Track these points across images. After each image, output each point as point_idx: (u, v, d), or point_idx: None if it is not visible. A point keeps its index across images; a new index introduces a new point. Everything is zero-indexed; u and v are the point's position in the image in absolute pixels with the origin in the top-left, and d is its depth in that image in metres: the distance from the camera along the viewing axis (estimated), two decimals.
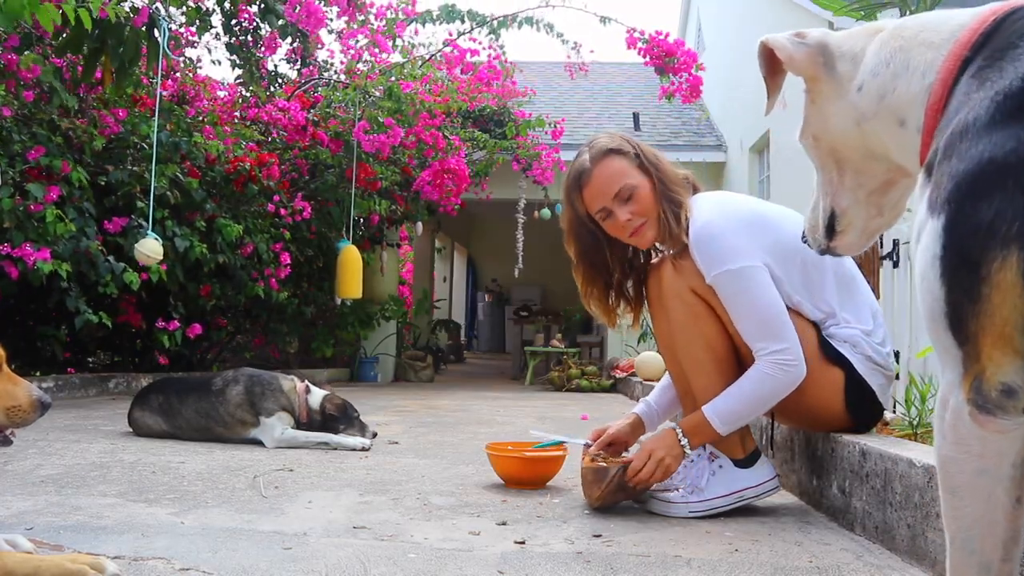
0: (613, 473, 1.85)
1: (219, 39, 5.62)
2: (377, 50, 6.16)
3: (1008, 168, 0.73)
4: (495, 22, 6.63)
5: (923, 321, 0.83)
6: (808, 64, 1.09)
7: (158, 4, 4.62)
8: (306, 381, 3.06)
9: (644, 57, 6.31)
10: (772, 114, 1.25)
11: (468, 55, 7.09)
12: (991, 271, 0.73)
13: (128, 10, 3.91)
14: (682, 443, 1.84)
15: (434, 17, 6.58)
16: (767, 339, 1.79)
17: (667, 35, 6.31)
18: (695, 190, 2.01)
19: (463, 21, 6.60)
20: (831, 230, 1.15)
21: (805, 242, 1.23)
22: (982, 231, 0.73)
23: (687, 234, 1.89)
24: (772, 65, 1.14)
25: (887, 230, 1.16)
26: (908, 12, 2.90)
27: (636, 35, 6.27)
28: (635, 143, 1.99)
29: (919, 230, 0.83)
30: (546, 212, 8.18)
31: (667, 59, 6.23)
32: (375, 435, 3.02)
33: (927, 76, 0.93)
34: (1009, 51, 0.81)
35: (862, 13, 3.09)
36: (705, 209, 1.90)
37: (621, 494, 1.88)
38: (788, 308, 1.87)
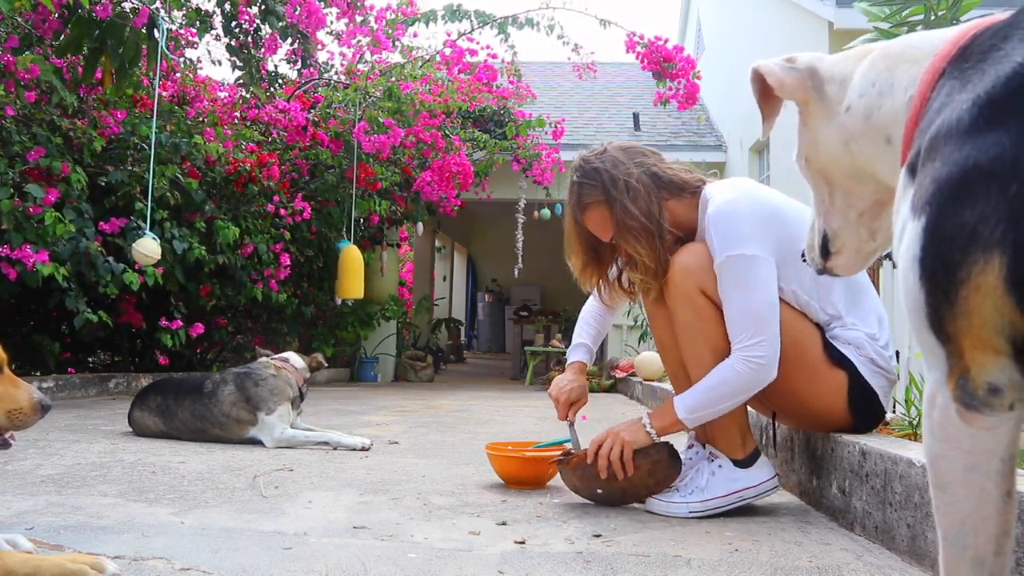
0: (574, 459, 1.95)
1: (219, 40, 5.62)
2: (379, 48, 6.15)
3: (992, 174, 0.73)
4: (497, 24, 6.63)
5: (907, 320, 0.84)
6: (798, 89, 1.10)
7: (158, 4, 4.61)
8: (271, 354, 3.15)
9: (643, 62, 6.31)
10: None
11: (467, 55, 7.08)
12: (971, 274, 0.73)
13: (128, 10, 3.91)
14: (647, 428, 1.88)
15: (439, 17, 6.58)
16: (749, 330, 1.78)
17: (666, 40, 6.31)
18: (702, 183, 2.01)
19: (470, 20, 6.59)
20: (825, 251, 1.17)
21: (804, 260, 1.24)
22: (964, 234, 0.74)
23: (702, 218, 1.91)
24: (765, 90, 1.15)
25: (883, 252, 1.17)
26: (933, 13, 2.90)
27: (636, 39, 6.27)
28: (605, 178, 1.94)
29: (901, 231, 0.84)
30: (546, 212, 8.19)
31: (665, 64, 6.23)
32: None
33: (909, 90, 0.94)
34: (991, 53, 0.81)
35: (887, 11, 3.08)
36: (730, 190, 1.90)
37: (595, 482, 1.91)
38: (795, 309, 1.88)
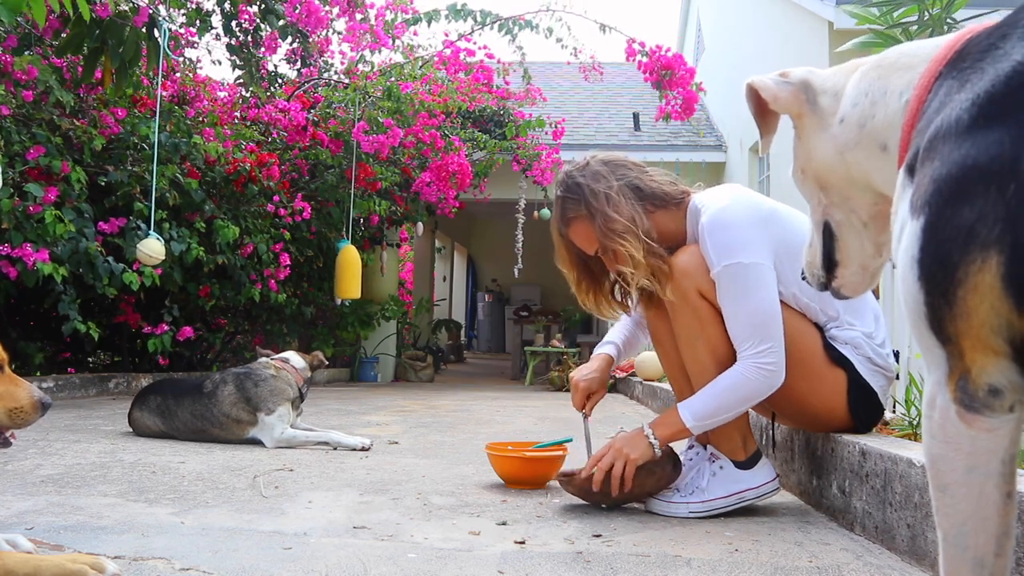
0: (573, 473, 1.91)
1: (219, 39, 5.62)
2: (377, 43, 6.14)
3: (991, 174, 0.73)
4: (499, 24, 6.62)
5: (906, 320, 0.84)
6: (792, 102, 1.11)
7: (157, 3, 4.61)
8: (271, 354, 3.14)
9: (645, 73, 6.31)
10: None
11: (464, 55, 7.07)
12: (969, 274, 0.73)
13: (128, 10, 3.91)
14: (650, 439, 1.84)
15: (442, 16, 6.57)
16: (755, 338, 1.77)
17: (667, 49, 6.30)
18: (686, 194, 2.00)
19: (475, 20, 6.58)
20: (829, 265, 1.15)
21: (804, 279, 1.23)
22: (962, 234, 0.74)
23: (694, 225, 1.90)
24: (760, 105, 1.15)
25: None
26: (927, 12, 2.89)
27: (636, 47, 6.27)
28: (586, 192, 1.94)
29: (900, 231, 0.84)
30: (546, 212, 8.18)
31: (664, 73, 6.23)
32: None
33: (904, 95, 0.94)
34: (990, 52, 0.81)
35: (876, 13, 3.07)
36: (723, 198, 1.89)
37: (595, 495, 1.89)
38: (795, 310, 1.88)
